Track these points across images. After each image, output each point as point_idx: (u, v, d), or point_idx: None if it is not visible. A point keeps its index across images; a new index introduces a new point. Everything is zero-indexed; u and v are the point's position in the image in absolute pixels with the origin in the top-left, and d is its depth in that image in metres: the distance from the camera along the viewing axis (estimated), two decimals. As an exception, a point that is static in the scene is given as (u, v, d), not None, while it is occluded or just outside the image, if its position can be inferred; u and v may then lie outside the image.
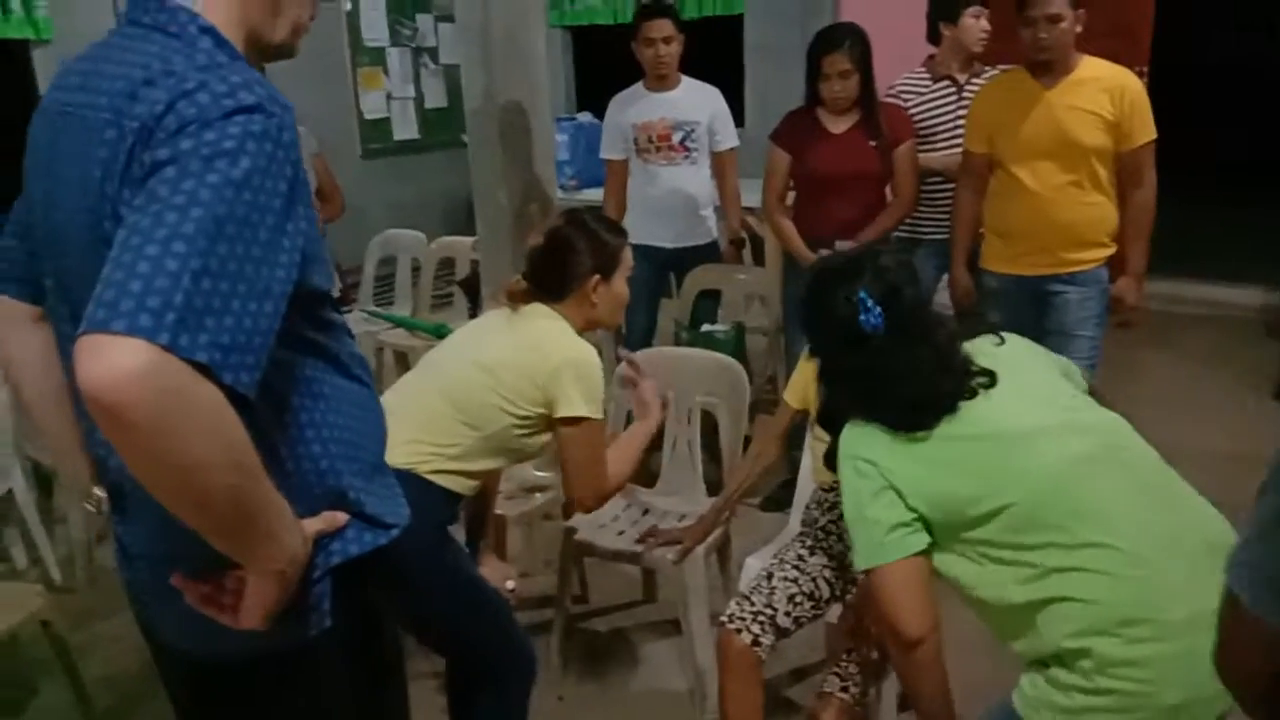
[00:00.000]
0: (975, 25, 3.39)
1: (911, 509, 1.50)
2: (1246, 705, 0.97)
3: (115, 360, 0.85)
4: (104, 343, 0.86)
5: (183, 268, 0.89)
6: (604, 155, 3.88)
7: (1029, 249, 3.00)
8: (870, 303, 1.55)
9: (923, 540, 1.51)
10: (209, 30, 1.08)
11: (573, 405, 2.07)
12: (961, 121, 3.32)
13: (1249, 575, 0.91)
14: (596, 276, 2.18)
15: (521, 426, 2.11)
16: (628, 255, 2.27)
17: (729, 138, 3.78)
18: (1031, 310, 3.03)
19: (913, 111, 3.43)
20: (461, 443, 2.08)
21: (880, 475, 1.51)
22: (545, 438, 2.17)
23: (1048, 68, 2.89)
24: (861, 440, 1.56)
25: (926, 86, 3.50)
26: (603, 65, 7.13)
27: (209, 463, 0.91)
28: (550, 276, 2.20)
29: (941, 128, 3.47)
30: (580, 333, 2.20)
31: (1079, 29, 2.84)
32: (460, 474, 2.10)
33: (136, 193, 0.96)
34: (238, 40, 1.12)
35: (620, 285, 2.25)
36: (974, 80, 3.43)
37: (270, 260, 0.97)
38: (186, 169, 0.94)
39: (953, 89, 3.47)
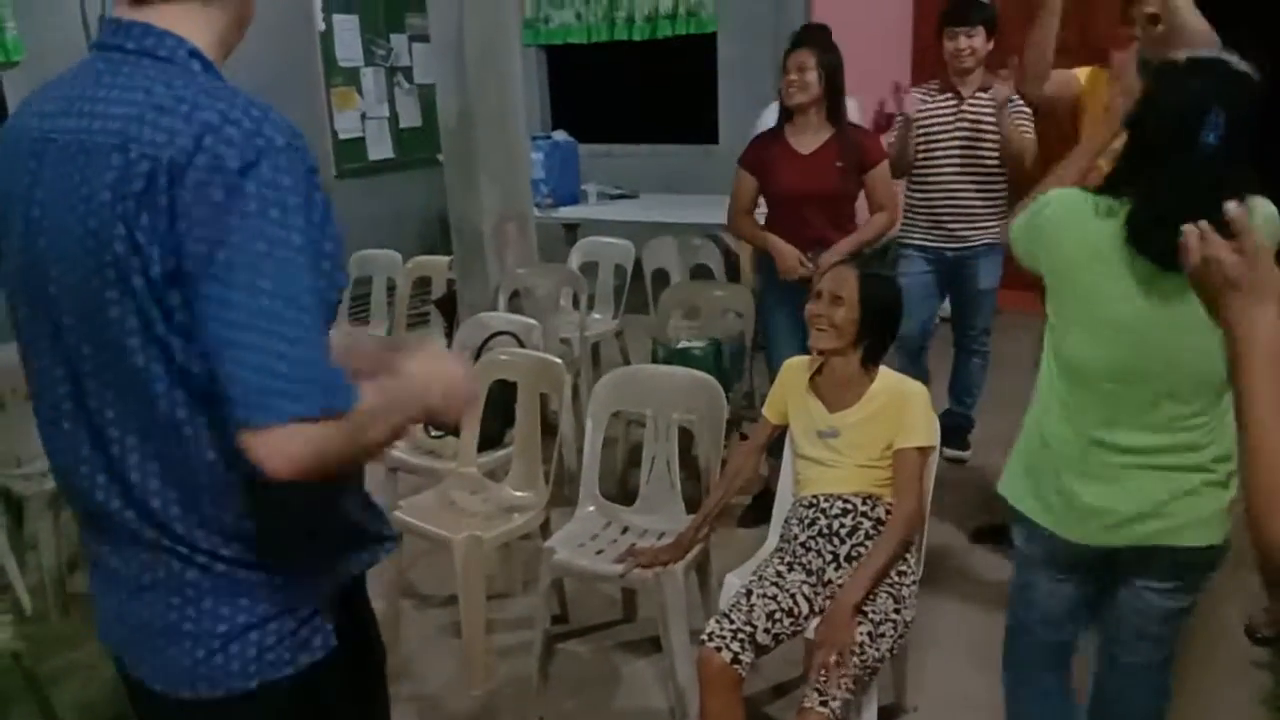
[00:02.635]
0: (948, 46, 3.51)
1: (1043, 255, 1.75)
2: None
3: (292, 452, 0.96)
4: (275, 438, 0.96)
5: (301, 336, 0.97)
6: None
7: None
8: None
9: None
10: (197, 54, 1.08)
11: None
12: (958, 132, 3.51)
13: None
14: None
15: None
16: None
17: None
18: None
19: (917, 118, 3.56)
20: None
21: (1076, 221, 1.69)
22: None
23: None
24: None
25: (932, 96, 3.63)
26: (577, 84, 7.15)
27: (353, 457, 1.06)
28: None
29: (936, 137, 3.59)
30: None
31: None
32: None
33: (157, 219, 0.97)
34: (217, 60, 1.12)
35: None
36: (979, 94, 3.52)
37: (328, 292, 1.03)
38: (247, 229, 0.96)
39: (954, 101, 3.58)
